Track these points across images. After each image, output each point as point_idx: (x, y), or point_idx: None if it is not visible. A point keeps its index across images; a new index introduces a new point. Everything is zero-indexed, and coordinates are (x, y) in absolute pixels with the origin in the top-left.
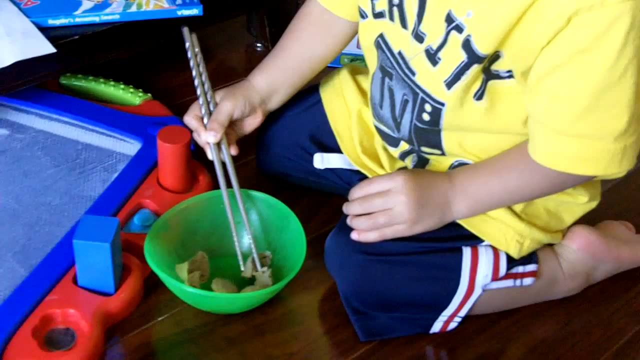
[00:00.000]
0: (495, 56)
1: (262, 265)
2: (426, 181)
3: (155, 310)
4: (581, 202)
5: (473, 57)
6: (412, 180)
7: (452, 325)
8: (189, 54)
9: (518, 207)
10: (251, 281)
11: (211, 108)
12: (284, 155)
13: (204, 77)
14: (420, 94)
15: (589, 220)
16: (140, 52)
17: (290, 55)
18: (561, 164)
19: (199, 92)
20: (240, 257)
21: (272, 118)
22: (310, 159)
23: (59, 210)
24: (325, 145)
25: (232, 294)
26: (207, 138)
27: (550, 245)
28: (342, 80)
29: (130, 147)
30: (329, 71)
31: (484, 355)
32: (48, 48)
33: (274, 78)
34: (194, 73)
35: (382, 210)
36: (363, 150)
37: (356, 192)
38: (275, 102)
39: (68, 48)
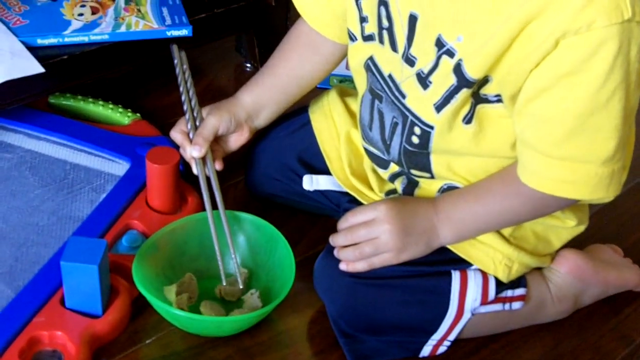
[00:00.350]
0: (485, 80)
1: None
2: (410, 208)
3: (143, 333)
4: (569, 226)
5: (463, 81)
6: (395, 208)
7: (442, 349)
8: (177, 70)
9: (506, 231)
10: (239, 304)
11: (197, 124)
12: (273, 176)
13: (191, 93)
14: (410, 117)
15: (577, 243)
16: (130, 72)
17: (277, 73)
18: (547, 186)
19: (185, 107)
20: (222, 273)
21: (261, 139)
22: (299, 180)
23: (47, 231)
24: (314, 166)
25: (220, 317)
26: (192, 152)
27: (539, 269)
28: (331, 101)
29: (118, 167)
30: (318, 92)
31: None
32: (37, 68)
33: (261, 95)
34: (181, 89)
35: (368, 240)
36: (352, 172)
37: (341, 223)
38: (262, 120)
39: (57, 68)
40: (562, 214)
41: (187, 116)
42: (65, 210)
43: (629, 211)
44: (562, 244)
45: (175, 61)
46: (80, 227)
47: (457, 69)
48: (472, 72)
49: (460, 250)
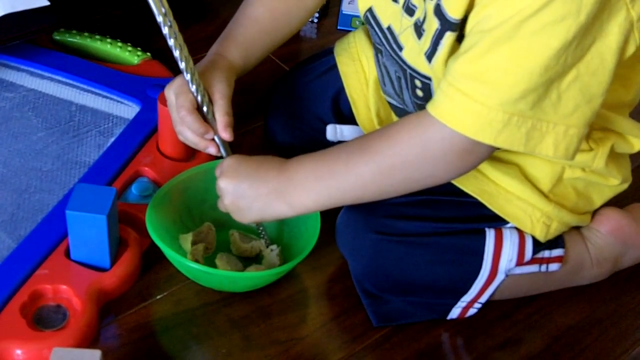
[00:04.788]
0: (466, 20)
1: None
2: (251, 167)
3: (154, 288)
4: (613, 184)
5: (445, 23)
6: (235, 166)
7: (472, 311)
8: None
9: (546, 187)
10: (258, 259)
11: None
12: (295, 124)
13: (186, 52)
14: (408, 70)
15: (615, 203)
16: (139, 7)
17: (263, 29)
18: (439, 111)
19: (189, 78)
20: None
21: (283, 84)
22: (323, 129)
23: (51, 177)
24: (343, 113)
25: (236, 273)
26: (225, 136)
27: (577, 228)
28: (358, 43)
29: (128, 109)
30: (342, 34)
31: (505, 345)
32: (41, 0)
33: (249, 52)
34: (171, 42)
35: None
36: (379, 122)
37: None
38: (245, 71)
39: (62, 1)
40: (606, 171)
41: (191, 84)
42: (70, 155)
43: None
44: (603, 202)
45: (156, 10)
46: (86, 173)
47: (438, 10)
48: (452, 11)
49: (496, 206)
